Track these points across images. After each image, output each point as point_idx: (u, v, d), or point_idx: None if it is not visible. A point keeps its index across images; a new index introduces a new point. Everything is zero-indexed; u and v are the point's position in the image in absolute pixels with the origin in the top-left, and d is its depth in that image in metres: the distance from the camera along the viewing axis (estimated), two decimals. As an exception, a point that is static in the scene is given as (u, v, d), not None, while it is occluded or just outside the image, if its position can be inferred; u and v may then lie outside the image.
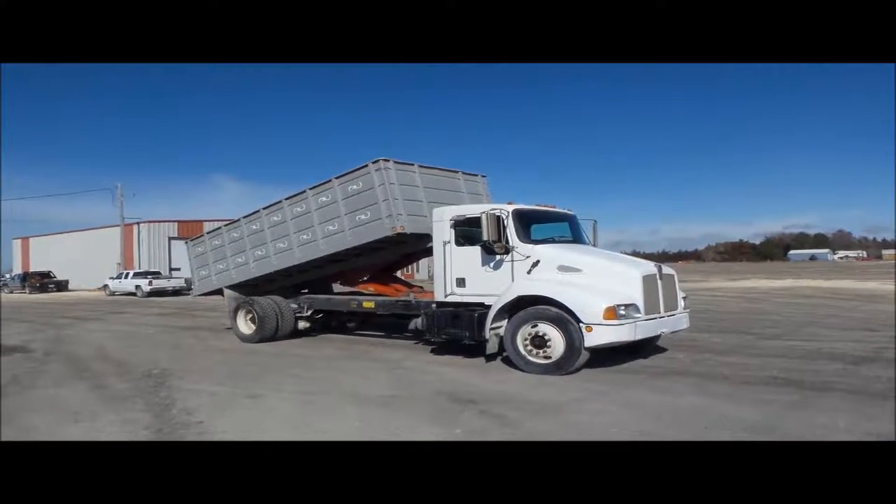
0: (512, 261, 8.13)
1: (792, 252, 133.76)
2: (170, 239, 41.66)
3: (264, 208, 11.32)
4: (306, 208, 10.47)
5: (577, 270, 7.84)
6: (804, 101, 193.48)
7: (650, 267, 8.09)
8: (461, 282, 8.58)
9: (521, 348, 7.71)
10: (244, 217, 11.75)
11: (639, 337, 7.50)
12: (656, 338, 8.57)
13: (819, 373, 7.32)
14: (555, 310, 7.51)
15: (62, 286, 39.94)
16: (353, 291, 11.42)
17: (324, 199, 10.19)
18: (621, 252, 10.99)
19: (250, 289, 11.83)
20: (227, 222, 12.34)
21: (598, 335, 7.22)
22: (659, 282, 7.94)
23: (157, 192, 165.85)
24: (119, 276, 34.96)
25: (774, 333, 11.17)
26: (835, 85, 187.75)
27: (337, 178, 9.97)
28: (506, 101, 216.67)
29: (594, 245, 9.52)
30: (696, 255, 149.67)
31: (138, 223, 41.70)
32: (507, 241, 8.08)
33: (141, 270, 36.27)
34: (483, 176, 11.26)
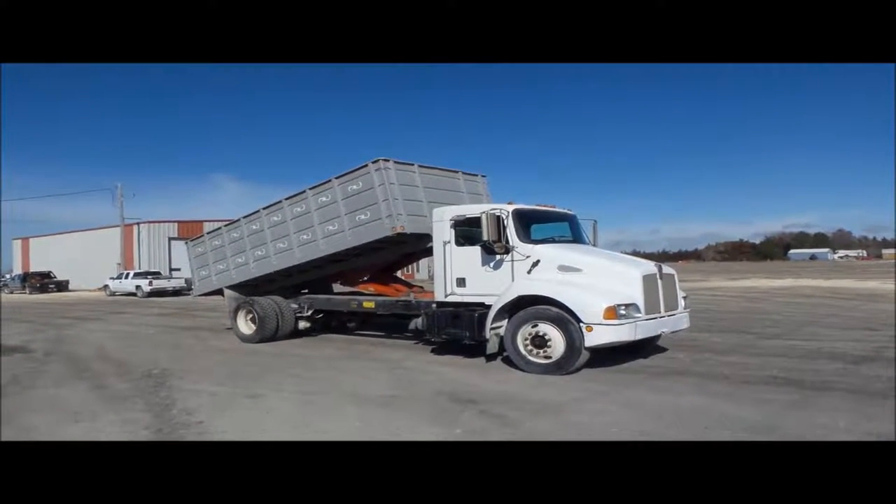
0: (512, 261, 8.13)
1: (792, 251, 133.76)
2: (170, 239, 41.66)
3: (264, 208, 11.32)
4: (306, 208, 10.47)
5: (578, 270, 7.84)
6: (804, 101, 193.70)
7: (650, 267, 8.09)
8: (461, 282, 8.58)
9: (521, 348, 7.71)
10: (244, 217, 11.75)
11: (639, 337, 7.50)
12: (656, 337, 8.57)
13: (819, 372, 7.32)
14: (555, 310, 7.50)
15: (62, 286, 39.96)
16: (353, 291, 11.42)
17: (324, 199, 10.18)
18: (621, 252, 11.00)
19: (250, 289, 11.83)
20: (227, 222, 12.34)
21: (599, 335, 7.22)
22: (659, 281, 7.94)
23: (157, 192, 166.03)
24: (119, 277, 34.97)
25: (774, 333, 11.17)
26: (835, 85, 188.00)
27: (337, 178, 9.97)
28: (506, 101, 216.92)
29: (594, 245, 9.52)
30: (696, 255, 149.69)
31: (138, 223, 41.71)
32: (507, 241, 8.08)
33: (141, 271, 36.28)
34: (483, 176, 11.27)
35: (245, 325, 11.44)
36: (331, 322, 11.95)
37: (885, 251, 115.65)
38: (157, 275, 34.86)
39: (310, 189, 10.42)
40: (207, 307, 18.41)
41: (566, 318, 7.38)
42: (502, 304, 7.95)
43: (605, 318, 7.19)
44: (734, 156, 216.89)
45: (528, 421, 5.45)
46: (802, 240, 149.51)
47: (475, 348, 8.65)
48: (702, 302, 17.83)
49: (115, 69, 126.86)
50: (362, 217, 9.58)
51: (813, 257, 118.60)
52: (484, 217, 8.00)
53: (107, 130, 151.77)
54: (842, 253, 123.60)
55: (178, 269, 37.04)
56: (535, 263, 8.00)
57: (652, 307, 7.68)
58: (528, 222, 8.53)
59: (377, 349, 10.09)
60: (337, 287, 12.28)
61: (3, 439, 5.08)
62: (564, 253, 8.20)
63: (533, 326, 7.62)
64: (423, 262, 21.42)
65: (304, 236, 10.52)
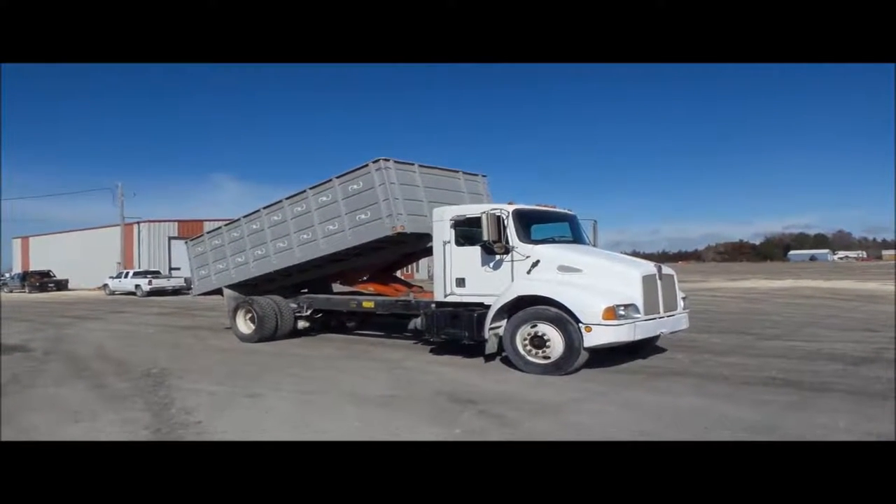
0: (512, 261, 8.13)
1: (792, 252, 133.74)
2: (170, 238, 41.66)
3: (264, 208, 11.32)
4: (306, 208, 10.47)
5: (577, 270, 7.84)
6: (804, 101, 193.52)
7: (650, 267, 8.09)
8: (461, 282, 8.58)
9: (520, 348, 7.71)
10: (244, 217, 11.75)
11: (638, 337, 7.50)
12: (656, 338, 8.57)
13: (819, 373, 7.32)
14: (554, 310, 7.50)
15: (62, 285, 39.96)
16: (353, 291, 11.42)
17: (324, 198, 10.19)
18: (621, 252, 11.00)
19: (250, 288, 11.83)
20: (227, 222, 12.34)
21: (598, 335, 7.22)
22: (658, 282, 7.94)
23: (157, 191, 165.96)
24: (119, 276, 34.95)
25: (774, 334, 11.17)
26: (835, 85, 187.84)
27: (337, 177, 9.97)
28: (506, 101, 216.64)
29: (594, 245, 9.52)
30: (695, 256, 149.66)
31: (138, 223, 41.72)
32: (507, 241, 8.08)
33: (141, 270, 36.28)
34: (483, 175, 11.27)
35: (244, 325, 11.44)
36: (330, 322, 11.95)
37: (885, 252, 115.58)
38: (156, 274, 34.86)
39: (310, 189, 10.42)
40: (207, 306, 18.41)
41: (565, 319, 7.38)
42: (501, 304, 7.95)
43: (605, 318, 7.19)
44: (734, 156, 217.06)
45: (527, 421, 5.45)
46: (802, 241, 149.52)
47: (474, 348, 8.65)
48: (701, 303, 17.83)
49: (115, 69, 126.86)
50: (362, 217, 9.58)
51: (813, 258, 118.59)
52: (484, 217, 8.00)
53: (107, 130, 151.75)
54: (841, 254, 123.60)
55: (178, 269, 37.04)
56: (535, 264, 8.00)
57: (651, 308, 7.69)
58: (528, 222, 8.53)
59: (376, 349, 10.09)
60: (336, 287, 12.28)
61: (3, 439, 5.08)
62: (564, 253, 8.20)
63: (532, 327, 7.62)
64: (423, 262, 21.44)
65: (305, 236, 10.52)
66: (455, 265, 8.62)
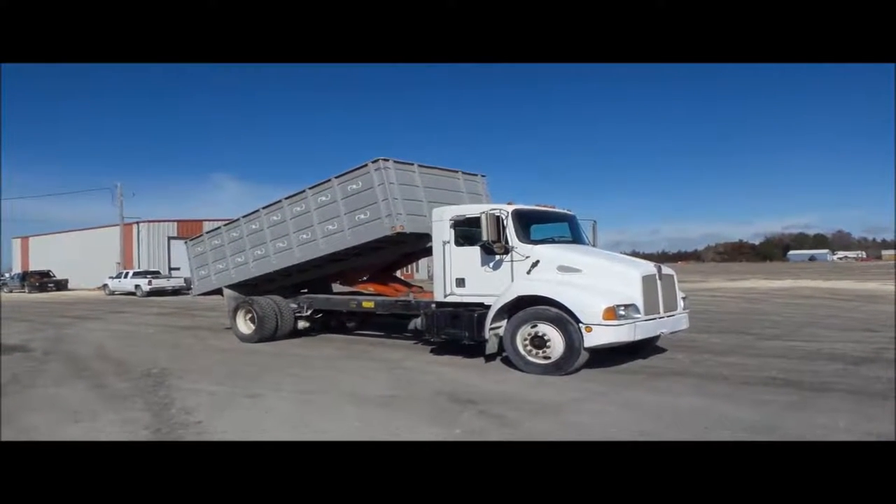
0: (511, 261, 8.13)
1: (791, 252, 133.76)
2: (169, 238, 41.65)
3: (264, 208, 11.32)
4: (306, 208, 10.47)
5: (577, 271, 7.84)
6: (804, 101, 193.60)
7: (650, 267, 8.09)
8: (461, 282, 8.57)
9: (520, 348, 7.71)
10: (244, 217, 11.74)
11: (638, 337, 7.50)
12: (656, 338, 8.57)
13: (818, 373, 7.32)
14: (554, 310, 7.50)
15: (62, 285, 39.95)
16: (353, 291, 11.42)
17: (323, 198, 10.18)
18: (621, 252, 11.00)
19: (250, 288, 11.82)
20: (227, 222, 12.33)
21: (598, 335, 7.22)
22: (658, 282, 7.94)
23: (156, 191, 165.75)
24: (118, 276, 34.95)
25: (774, 334, 11.17)
26: (835, 85, 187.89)
27: (336, 177, 9.97)
28: (506, 101, 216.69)
29: (594, 245, 9.52)
30: (695, 256, 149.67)
31: (138, 223, 41.71)
32: (506, 242, 8.08)
33: (140, 270, 36.28)
34: (483, 175, 11.27)
35: (244, 325, 11.44)
36: (330, 322, 11.95)
37: (885, 252, 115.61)
38: (156, 274, 34.85)
39: (309, 188, 10.42)
40: (207, 307, 18.41)
41: (565, 319, 7.38)
42: (501, 304, 7.95)
43: (605, 318, 7.19)
44: (734, 156, 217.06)
45: (528, 421, 5.45)
46: (802, 241, 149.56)
47: (474, 348, 8.65)
48: (701, 303, 17.83)
49: (115, 69, 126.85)
50: (362, 216, 9.58)
51: (812, 258, 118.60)
52: (483, 217, 8.00)
53: (107, 130, 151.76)
54: (841, 254, 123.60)
55: (178, 269, 37.02)
56: (535, 264, 8.00)
57: (651, 308, 7.69)
58: (527, 222, 8.53)
59: (376, 349, 10.08)
60: (336, 287, 12.28)
61: (3, 439, 5.08)
62: (564, 253, 8.20)
63: (532, 327, 7.62)
64: (423, 262, 21.42)
65: (304, 236, 10.52)
66: (455, 265, 8.62)
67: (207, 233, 12.75)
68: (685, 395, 6.32)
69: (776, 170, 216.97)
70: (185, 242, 13.69)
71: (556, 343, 7.42)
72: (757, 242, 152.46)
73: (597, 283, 7.66)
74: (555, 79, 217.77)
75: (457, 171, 10.77)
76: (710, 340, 10.29)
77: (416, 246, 10.00)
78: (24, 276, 40.60)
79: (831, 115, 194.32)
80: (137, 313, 19.71)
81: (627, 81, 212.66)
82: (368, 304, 10.35)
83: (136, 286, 32.43)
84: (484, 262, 8.34)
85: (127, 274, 34.59)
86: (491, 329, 8.05)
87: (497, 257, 8.20)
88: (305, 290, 11.91)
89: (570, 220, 9.42)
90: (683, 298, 8.57)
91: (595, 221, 9.77)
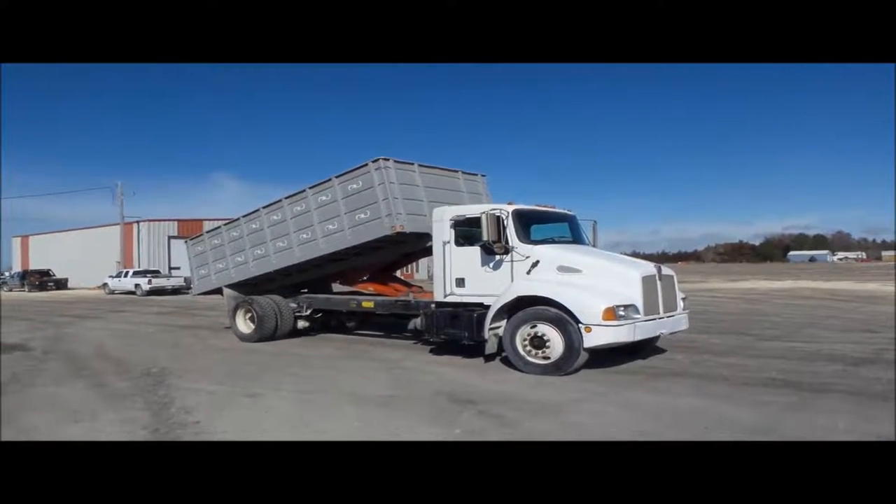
0: (511, 261, 8.13)
1: (791, 253, 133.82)
2: (169, 238, 41.63)
3: (264, 207, 11.31)
4: (306, 207, 10.47)
5: (577, 271, 7.84)
6: (804, 101, 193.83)
7: (649, 268, 8.09)
8: (461, 282, 8.57)
9: (520, 349, 7.71)
10: (244, 216, 11.74)
11: (638, 338, 7.49)
12: (655, 339, 8.56)
13: (818, 374, 7.32)
14: (554, 310, 7.50)
15: (61, 284, 39.96)
16: (353, 291, 11.41)
17: (323, 198, 10.18)
18: (621, 252, 11.00)
19: (250, 288, 11.82)
20: (227, 221, 12.33)
21: (598, 336, 7.21)
22: (658, 283, 7.94)
23: (156, 190, 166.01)
24: (118, 275, 34.92)
25: (774, 335, 11.17)
26: (835, 85, 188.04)
27: (337, 177, 9.97)
28: (506, 101, 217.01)
29: (594, 245, 9.52)
30: (695, 256, 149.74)
31: (138, 222, 41.70)
32: (506, 242, 8.08)
33: (140, 269, 36.28)
34: (483, 175, 11.27)
35: (244, 325, 11.44)
36: (330, 321, 11.94)
37: (885, 253, 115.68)
38: (156, 273, 34.85)
39: (310, 188, 10.42)
40: (206, 306, 18.41)
41: (565, 319, 7.37)
42: (501, 304, 7.95)
43: (604, 318, 7.19)
44: (734, 156, 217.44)
45: (527, 421, 5.45)
46: (802, 241, 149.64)
47: (474, 348, 8.65)
48: (701, 303, 17.83)
49: (115, 69, 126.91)
50: (362, 216, 9.58)
51: (812, 259, 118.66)
52: (484, 217, 7.99)
53: (107, 130, 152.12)
54: (841, 255, 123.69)
55: (178, 268, 37.01)
56: (535, 264, 8.00)
57: (651, 308, 7.69)
58: (527, 223, 8.53)
59: (376, 349, 10.08)
60: (336, 286, 12.28)
61: (3, 439, 5.08)
62: (564, 254, 8.20)
63: (532, 327, 7.62)
64: (423, 262, 21.45)
65: (304, 235, 10.52)
66: (455, 265, 8.62)
67: (207, 232, 12.75)
68: (685, 395, 6.32)
69: (776, 170, 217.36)
70: (185, 242, 13.69)
71: (556, 343, 7.42)
72: (757, 243, 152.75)
73: (596, 284, 7.66)
74: (555, 79, 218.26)
75: (457, 171, 10.77)
76: (710, 341, 10.28)
77: (416, 246, 10.00)
78: (24, 275, 40.59)
79: (831, 115, 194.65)
80: (137, 312, 19.71)
81: (627, 81, 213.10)
82: (368, 304, 10.35)
83: (136, 285, 32.43)
84: (484, 263, 8.34)
85: (127, 273, 34.57)
86: (490, 329, 8.05)
87: (497, 257, 8.20)
88: (305, 290, 11.91)
89: (571, 221, 9.42)
90: (683, 299, 8.57)
91: (595, 222, 9.79)
